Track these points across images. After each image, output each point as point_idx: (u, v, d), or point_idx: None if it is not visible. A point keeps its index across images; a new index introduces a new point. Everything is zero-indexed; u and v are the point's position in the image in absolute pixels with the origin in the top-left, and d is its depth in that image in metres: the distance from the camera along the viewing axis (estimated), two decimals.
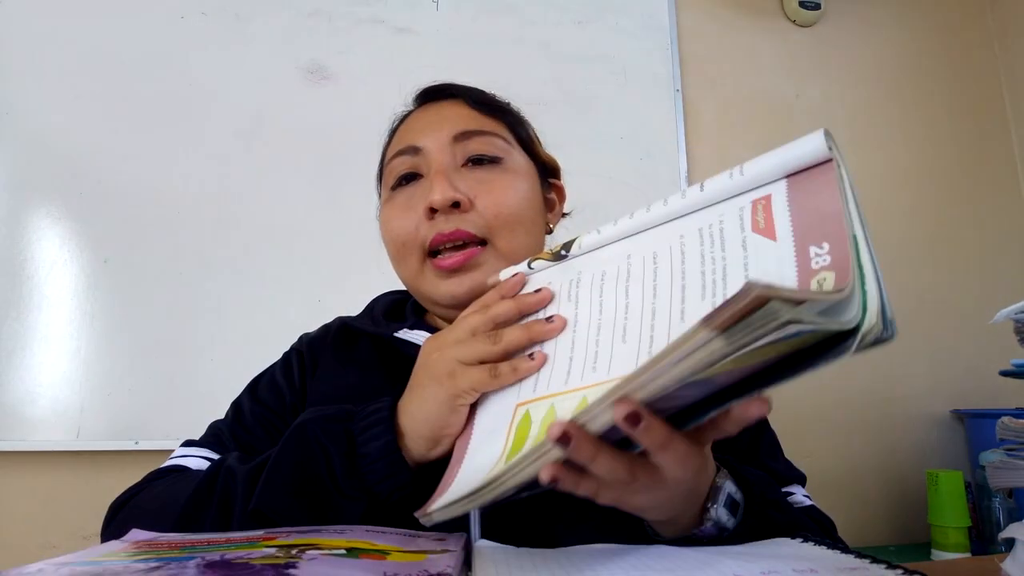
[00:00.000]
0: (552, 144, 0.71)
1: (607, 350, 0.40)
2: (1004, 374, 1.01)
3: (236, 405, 0.63)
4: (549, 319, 0.44)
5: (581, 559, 0.37)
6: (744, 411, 0.32)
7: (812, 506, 0.56)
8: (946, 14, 1.86)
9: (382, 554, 0.35)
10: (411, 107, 0.68)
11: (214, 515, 0.46)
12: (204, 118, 1.38)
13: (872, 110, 1.77)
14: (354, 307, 0.71)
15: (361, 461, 0.45)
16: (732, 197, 0.39)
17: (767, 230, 0.36)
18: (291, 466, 0.46)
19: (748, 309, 0.24)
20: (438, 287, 0.57)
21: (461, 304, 0.57)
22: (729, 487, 0.43)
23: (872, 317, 0.28)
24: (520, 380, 0.44)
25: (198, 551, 0.34)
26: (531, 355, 0.44)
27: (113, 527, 0.52)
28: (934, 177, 1.76)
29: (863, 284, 0.29)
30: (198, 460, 0.57)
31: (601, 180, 1.49)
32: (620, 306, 0.41)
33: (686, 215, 0.41)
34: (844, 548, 0.37)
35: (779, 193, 0.37)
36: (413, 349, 0.58)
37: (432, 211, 0.56)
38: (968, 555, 1.26)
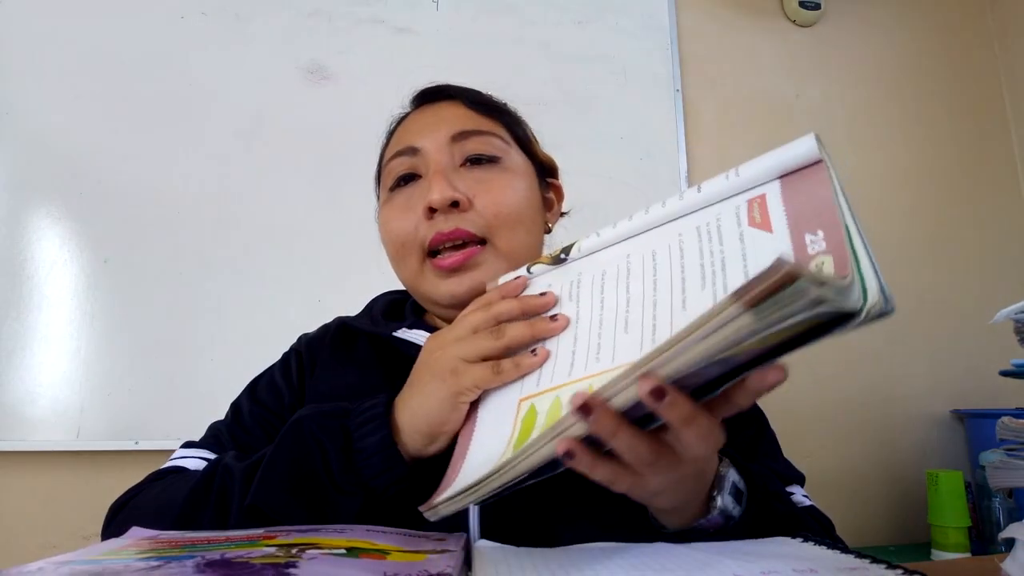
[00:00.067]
0: (552, 144, 0.71)
1: (610, 341, 0.40)
2: (1004, 374, 1.02)
3: (235, 406, 0.63)
4: (553, 317, 0.45)
5: (581, 558, 0.37)
6: (761, 380, 0.32)
7: (812, 506, 0.56)
8: (946, 14, 1.86)
9: (382, 554, 0.35)
10: (408, 109, 0.68)
11: (211, 512, 0.47)
12: (204, 118, 1.38)
13: (872, 110, 1.77)
14: (354, 307, 0.71)
15: (357, 456, 0.45)
16: (728, 198, 0.40)
17: (763, 224, 0.37)
18: (287, 462, 0.46)
19: (778, 285, 0.25)
20: (438, 287, 0.57)
21: (461, 303, 0.57)
22: (733, 475, 0.44)
23: (874, 295, 0.28)
24: (523, 376, 0.44)
25: (198, 550, 0.34)
26: (533, 351, 0.44)
27: (112, 528, 0.52)
28: (934, 177, 1.76)
29: (859, 266, 0.30)
30: (197, 461, 0.58)
31: (601, 180, 1.49)
32: (621, 300, 0.42)
33: (684, 216, 0.42)
34: (844, 548, 0.37)
35: (773, 192, 0.38)
36: (412, 348, 0.58)
37: (431, 211, 0.56)
38: (968, 555, 1.26)
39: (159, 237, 1.32)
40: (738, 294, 0.26)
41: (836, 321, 0.28)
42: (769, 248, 0.36)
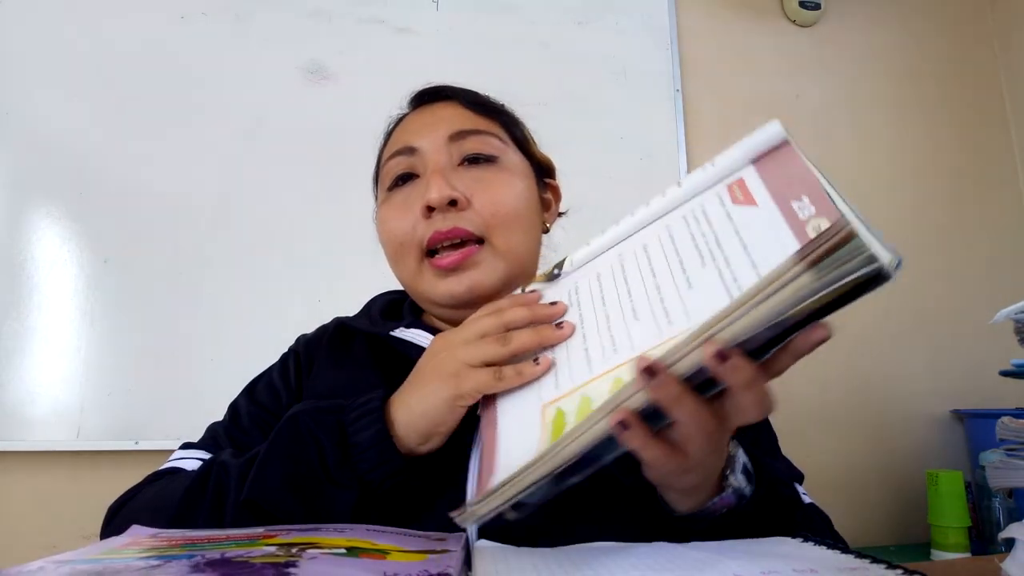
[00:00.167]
0: (552, 144, 0.71)
1: (623, 332, 0.40)
2: (1004, 374, 1.02)
3: (233, 407, 0.63)
4: (558, 325, 0.44)
5: (581, 558, 0.37)
6: (806, 340, 0.33)
7: (811, 504, 0.56)
8: (946, 14, 1.87)
9: (382, 553, 0.35)
10: (406, 110, 0.68)
11: (208, 509, 0.47)
12: (204, 118, 1.38)
13: (872, 110, 1.77)
14: (354, 307, 0.71)
15: (353, 450, 0.45)
16: (708, 188, 0.43)
17: (746, 200, 0.39)
18: (283, 456, 0.46)
19: (839, 243, 0.27)
20: (436, 287, 0.57)
21: (459, 303, 0.57)
22: (742, 456, 0.45)
23: (887, 252, 0.30)
24: (524, 384, 0.44)
25: (198, 549, 0.34)
26: (536, 360, 0.44)
27: (111, 530, 0.52)
28: (934, 177, 1.76)
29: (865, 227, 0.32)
30: (195, 462, 0.58)
31: (601, 180, 1.49)
32: (622, 294, 0.43)
33: (669, 212, 0.44)
34: (844, 548, 0.37)
35: (749, 174, 0.41)
36: (410, 348, 0.58)
37: (429, 210, 0.56)
38: (968, 555, 1.26)
39: (159, 237, 1.32)
40: (801, 253, 0.28)
41: (867, 283, 0.29)
42: (759, 220, 0.38)
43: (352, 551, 0.34)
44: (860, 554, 0.35)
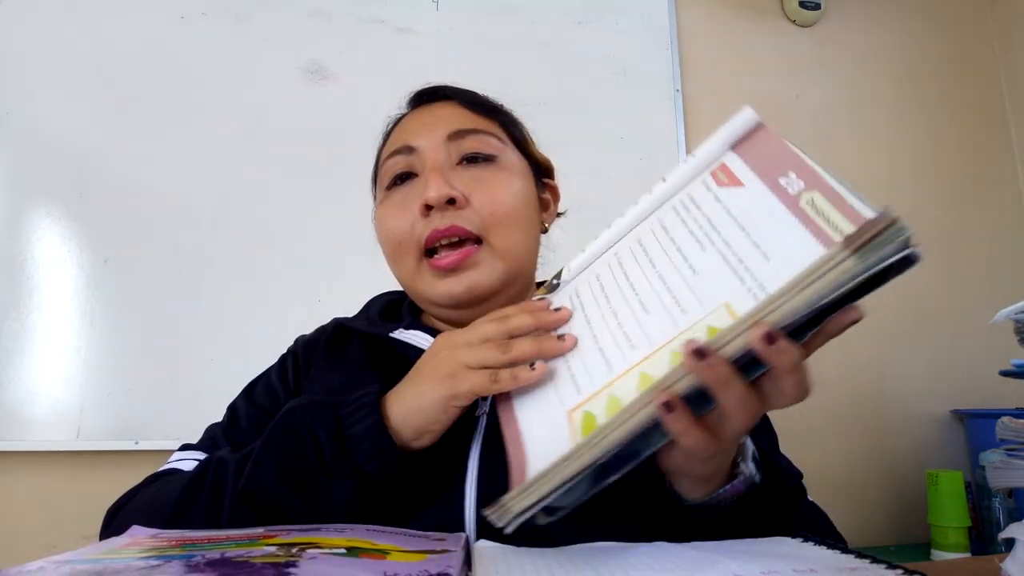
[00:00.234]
0: (552, 144, 0.71)
1: (635, 327, 0.40)
2: (1004, 374, 1.02)
3: (232, 409, 0.63)
4: (560, 337, 0.44)
5: (581, 559, 0.37)
6: (840, 322, 0.34)
7: (812, 502, 0.56)
8: (946, 14, 1.87)
9: (382, 553, 0.35)
10: (405, 110, 0.68)
11: (206, 503, 0.47)
12: (204, 118, 1.38)
13: (872, 110, 1.77)
14: (354, 307, 0.71)
15: (349, 442, 0.46)
16: (693, 178, 0.44)
17: (732, 182, 0.41)
18: (280, 448, 0.47)
19: (883, 228, 0.29)
20: (435, 287, 0.57)
21: (459, 303, 0.57)
22: (750, 444, 0.46)
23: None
24: (520, 388, 0.44)
25: (198, 549, 0.34)
26: (532, 365, 0.44)
27: (110, 532, 0.52)
28: (934, 177, 1.76)
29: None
30: (193, 464, 0.58)
31: (601, 180, 1.49)
32: (626, 290, 0.43)
33: (659, 207, 0.45)
34: (844, 548, 0.37)
35: (731, 158, 0.42)
36: (408, 349, 0.58)
37: (427, 208, 0.56)
38: (968, 555, 1.26)
39: (159, 237, 1.32)
40: (849, 240, 0.30)
41: (898, 266, 0.31)
42: (748, 198, 0.39)
43: (352, 551, 0.34)
44: (860, 554, 0.35)
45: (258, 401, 0.62)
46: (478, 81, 0.68)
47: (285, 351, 0.68)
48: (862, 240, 0.29)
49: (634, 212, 0.46)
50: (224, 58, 1.42)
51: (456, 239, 0.56)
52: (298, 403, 0.49)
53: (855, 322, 0.34)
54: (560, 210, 0.72)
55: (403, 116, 0.67)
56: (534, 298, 0.50)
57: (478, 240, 0.57)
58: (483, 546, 0.41)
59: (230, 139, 1.39)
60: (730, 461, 0.44)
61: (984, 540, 1.34)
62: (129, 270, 1.30)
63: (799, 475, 0.59)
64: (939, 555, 1.28)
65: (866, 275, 0.30)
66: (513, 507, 0.37)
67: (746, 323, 0.32)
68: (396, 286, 0.66)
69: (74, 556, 0.32)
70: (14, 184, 1.30)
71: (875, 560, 0.34)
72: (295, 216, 1.38)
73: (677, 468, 0.43)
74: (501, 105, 0.68)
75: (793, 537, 0.42)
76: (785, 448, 0.61)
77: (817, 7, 1.73)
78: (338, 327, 0.66)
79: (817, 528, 0.53)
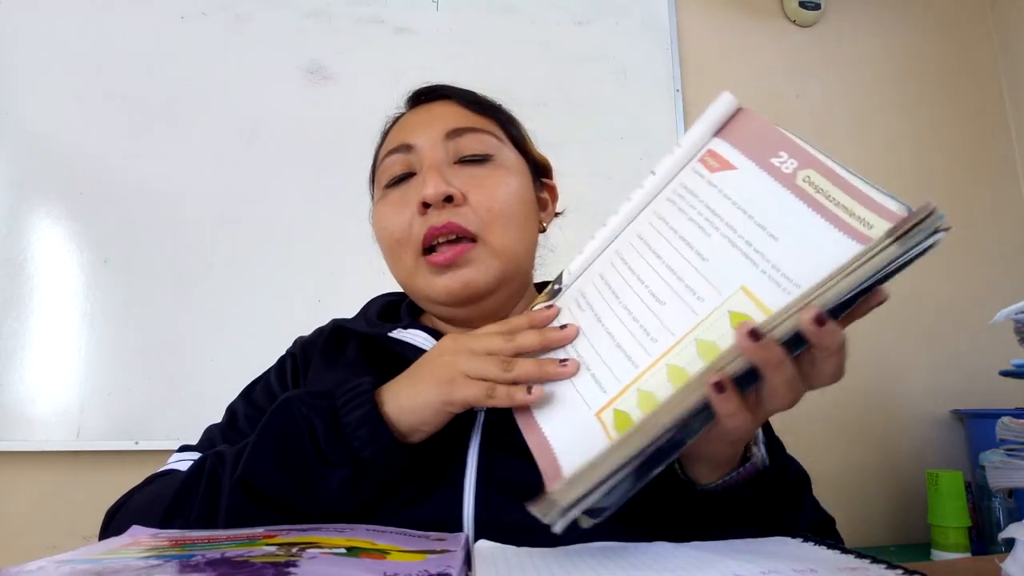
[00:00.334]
0: (552, 144, 0.71)
1: (652, 319, 0.40)
2: (1004, 374, 1.02)
3: (231, 410, 0.64)
4: (563, 362, 0.44)
5: (581, 559, 0.37)
6: (868, 304, 0.35)
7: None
8: (946, 14, 1.86)
9: (382, 553, 0.35)
10: (403, 109, 0.68)
11: (204, 493, 0.47)
12: (204, 118, 1.38)
13: (872, 110, 1.77)
14: (354, 308, 0.71)
15: (344, 429, 0.46)
16: (681, 168, 0.44)
17: (724, 166, 0.41)
18: (276, 436, 0.47)
19: (923, 217, 0.31)
20: (433, 284, 0.57)
21: (457, 300, 0.57)
22: (759, 431, 0.47)
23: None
24: (515, 407, 0.44)
25: (198, 549, 0.34)
26: (529, 389, 0.43)
27: (109, 533, 0.52)
28: (935, 177, 1.76)
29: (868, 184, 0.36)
30: (192, 464, 0.58)
31: (601, 180, 1.49)
32: (634, 284, 0.43)
33: (652, 200, 0.46)
34: (844, 548, 0.37)
35: (717, 144, 0.42)
36: (407, 349, 0.58)
37: (425, 206, 0.56)
38: (968, 555, 1.25)
39: (159, 237, 1.32)
40: (894, 230, 0.32)
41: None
42: (744, 180, 0.39)
43: (352, 551, 0.34)
44: (860, 554, 0.35)
45: (257, 402, 0.62)
46: (478, 81, 0.68)
47: (284, 353, 0.68)
48: (906, 228, 0.31)
49: (628, 208, 0.46)
50: (224, 58, 1.42)
51: (453, 236, 0.56)
52: (293, 394, 0.50)
53: (881, 303, 0.35)
54: (559, 210, 0.72)
55: (401, 115, 0.67)
56: (539, 305, 0.50)
57: (475, 239, 0.57)
58: (483, 546, 0.41)
59: (230, 139, 1.38)
60: (745, 444, 0.45)
61: (984, 540, 1.34)
62: (129, 270, 1.30)
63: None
64: (939, 555, 1.28)
65: (903, 260, 0.32)
66: (560, 500, 0.36)
67: (797, 305, 0.33)
68: (396, 287, 0.66)
69: (74, 556, 0.32)
70: (14, 184, 1.30)
71: (875, 560, 0.34)
72: (295, 216, 1.38)
73: (703, 452, 0.43)
74: (499, 104, 0.68)
75: (793, 537, 0.42)
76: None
77: (817, 7, 1.72)
78: (336, 328, 0.66)
79: (824, 523, 0.54)
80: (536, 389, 0.43)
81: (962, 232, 1.73)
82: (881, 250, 0.32)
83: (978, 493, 1.37)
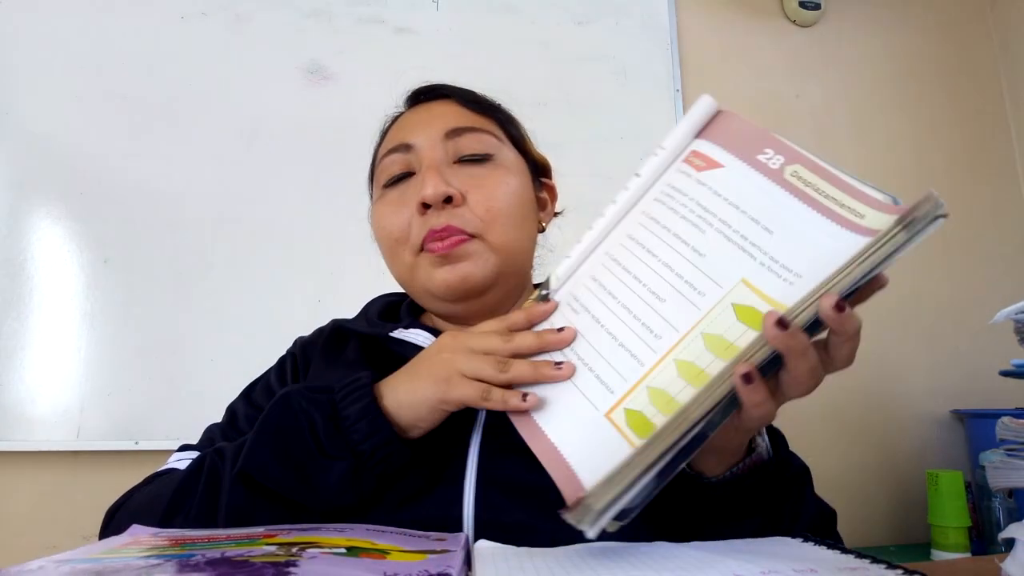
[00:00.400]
0: (552, 144, 0.71)
1: (654, 317, 0.40)
2: (1004, 374, 1.02)
3: (231, 410, 0.64)
4: (559, 364, 0.44)
5: (581, 558, 0.37)
6: (871, 289, 0.36)
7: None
8: (946, 14, 1.86)
9: (382, 553, 0.35)
10: (402, 109, 0.68)
11: (204, 488, 0.48)
12: (204, 118, 1.38)
13: (872, 110, 1.77)
14: (354, 308, 0.71)
15: (343, 422, 0.46)
16: (666, 169, 0.45)
17: (711, 165, 0.42)
18: (276, 429, 0.47)
19: (928, 204, 0.32)
20: (432, 277, 0.57)
21: (455, 294, 0.57)
22: None
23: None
24: (511, 411, 0.44)
25: (198, 548, 0.34)
26: (524, 396, 0.43)
27: (109, 531, 0.52)
28: (934, 177, 1.75)
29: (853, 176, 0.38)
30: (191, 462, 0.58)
31: (601, 180, 1.49)
32: (631, 284, 0.43)
33: (638, 201, 0.46)
34: (844, 548, 0.37)
35: (700, 144, 0.43)
36: (408, 348, 0.58)
37: (424, 206, 0.56)
38: (968, 555, 1.25)
39: (159, 237, 1.32)
40: (902, 218, 0.33)
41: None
42: (732, 178, 0.40)
43: (352, 551, 0.34)
44: (860, 554, 0.35)
45: (257, 402, 0.62)
46: (478, 81, 0.68)
47: (284, 353, 0.68)
48: (913, 216, 0.33)
49: (614, 210, 0.46)
50: (224, 58, 1.42)
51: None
52: (292, 388, 0.50)
53: (882, 287, 0.36)
54: (558, 210, 0.72)
55: (400, 114, 0.67)
56: (532, 298, 0.50)
57: (474, 238, 0.57)
58: (483, 546, 0.41)
59: (230, 139, 1.38)
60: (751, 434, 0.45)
61: (984, 540, 1.34)
62: (129, 270, 1.30)
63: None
64: (939, 555, 1.28)
65: (906, 247, 0.33)
66: (594, 504, 0.35)
67: (817, 293, 0.34)
68: (396, 287, 0.66)
69: (74, 556, 0.32)
70: (14, 184, 1.30)
71: (875, 560, 0.34)
72: (295, 216, 1.38)
73: (715, 444, 0.41)
74: (499, 104, 0.68)
75: (793, 537, 0.42)
76: None
77: (817, 7, 1.72)
78: (336, 328, 0.66)
79: (826, 515, 0.54)
80: (531, 396, 0.43)
81: (962, 232, 1.73)
82: (891, 237, 0.33)
83: (978, 493, 1.37)
